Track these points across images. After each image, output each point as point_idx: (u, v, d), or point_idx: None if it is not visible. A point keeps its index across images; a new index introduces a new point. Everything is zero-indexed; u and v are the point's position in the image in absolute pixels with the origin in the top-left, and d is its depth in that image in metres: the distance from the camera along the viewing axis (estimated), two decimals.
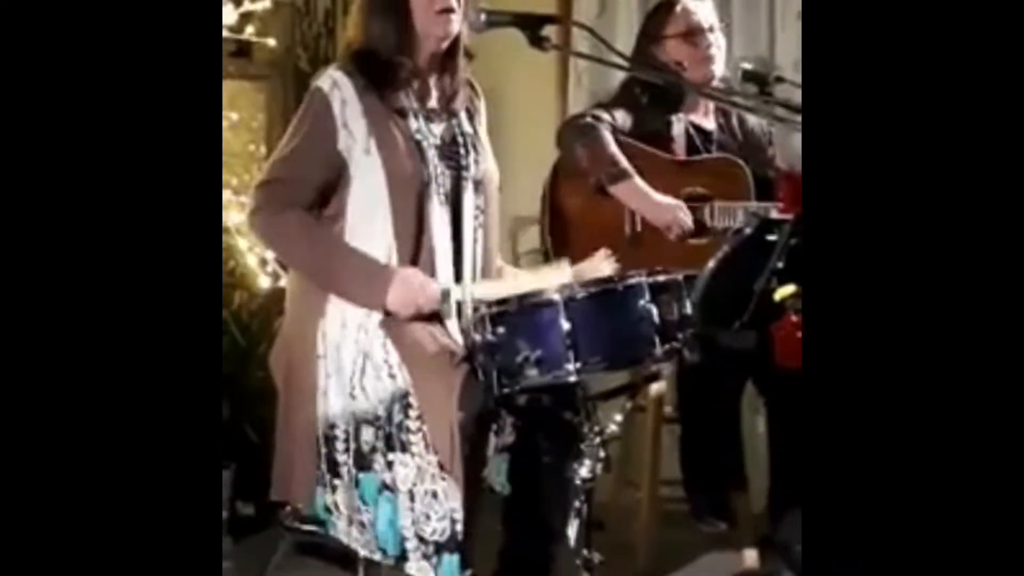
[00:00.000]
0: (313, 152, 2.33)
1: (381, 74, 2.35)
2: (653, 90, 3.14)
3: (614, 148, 3.04)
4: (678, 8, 3.16)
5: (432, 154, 2.36)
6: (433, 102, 2.42)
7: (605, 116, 3.10)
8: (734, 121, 3.25)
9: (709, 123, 3.23)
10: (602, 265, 2.35)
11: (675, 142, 3.16)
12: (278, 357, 2.44)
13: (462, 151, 2.42)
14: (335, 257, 2.33)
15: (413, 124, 2.37)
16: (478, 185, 2.42)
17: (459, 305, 2.32)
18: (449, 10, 2.34)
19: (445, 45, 2.39)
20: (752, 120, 3.26)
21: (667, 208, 3.04)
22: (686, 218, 3.04)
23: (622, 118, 3.12)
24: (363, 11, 2.38)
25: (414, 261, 2.33)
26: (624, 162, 3.03)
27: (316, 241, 2.34)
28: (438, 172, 2.36)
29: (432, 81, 2.42)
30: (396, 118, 2.35)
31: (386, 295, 2.28)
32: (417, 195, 2.33)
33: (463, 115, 2.46)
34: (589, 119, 3.09)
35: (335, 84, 2.33)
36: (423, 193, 2.33)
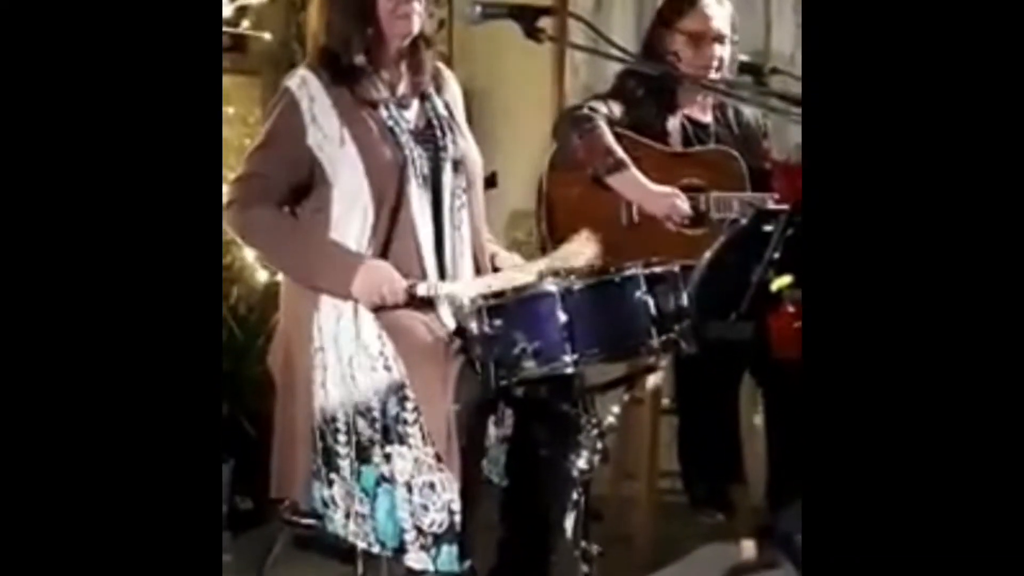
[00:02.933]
0: (281, 148, 2.36)
1: (346, 71, 2.37)
2: (649, 83, 3.14)
3: (610, 139, 3.05)
4: (698, 6, 3.15)
5: (406, 139, 2.38)
6: (402, 89, 2.44)
7: (601, 108, 3.10)
8: (730, 114, 3.26)
9: (706, 117, 3.23)
10: (585, 248, 2.34)
11: (671, 135, 3.17)
12: (276, 352, 2.44)
13: (438, 133, 2.44)
14: (305, 247, 2.36)
15: (384, 112, 2.39)
16: (457, 165, 2.43)
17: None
18: (410, 13, 2.37)
19: (407, 42, 2.42)
20: (748, 113, 3.26)
21: (664, 197, 3.04)
22: (684, 206, 3.04)
23: (618, 110, 3.13)
24: (323, 12, 2.39)
25: (396, 245, 2.34)
26: (621, 153, 3.03)
27: (285, 233, 2.38)
28: (415, 156, 2.37)
29: (400, 70, 2.44)
30: (367, 108, 2.37)
31: (351, 283, 2.29)
32: (396, 180, 2.34)
33: (435, 98, 2.48)
34: (586, 110, 3.09)
35: (303, 82, 2.36)
36: (401, 178, 2.34)
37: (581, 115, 3.09)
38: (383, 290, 2.29)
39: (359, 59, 2.37)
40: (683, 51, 3.15)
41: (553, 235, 3.08)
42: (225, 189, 2.40)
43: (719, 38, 3.14)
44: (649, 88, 3.15)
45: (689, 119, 3.20)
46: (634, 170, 3.03)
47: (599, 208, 3.08)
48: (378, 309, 2.30)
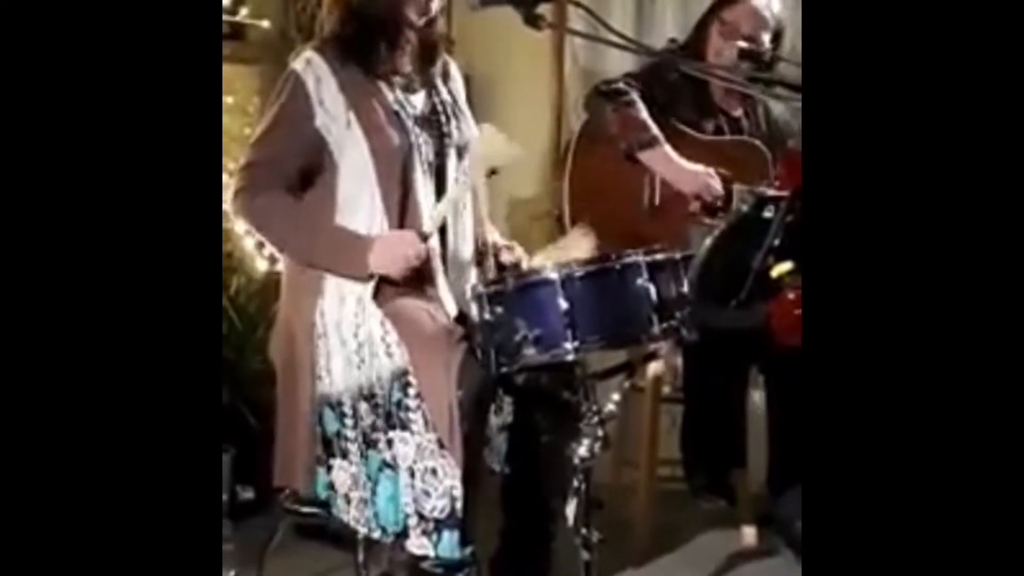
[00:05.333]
0: (289, 132, 2.34)
1: (367, 42, 2.36)
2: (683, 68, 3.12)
3: (645, 114, 3.03)
4: (746, 4, 3.14)
5: (412, 124, 2.37)
6: (408, 74, 2.43)
7: (637, 84, 3.08)
8: (760, 110, 3.24)
9: (736, 110, 3.22)
10: (581, 242, 2.34)
11: (702, 123, 3.15)
12: (277, 340, 2.44)
13: (443, 119, 2.43)
14: (315, 234, 2.34)
15: (390, 96, 2.38)
16: (461, 151, 2.43)
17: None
18: None
19: (423, 21, 2.41)
20: (777, 113, 3.25)
21: (696, 175, 3.03)
22: (716, 185, 3.03)
23: (652, 90, 3.10)
24: None
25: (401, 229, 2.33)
26: (655, 129, 3.01)
27: (296, 220, 2.36)
28: (420, 141, 2.37)
29: (409, 52, 2.43)
30: (373, 91, 2.37)
31: (368, 258, 2.28)
32: (401, 165, 2.34)
33: (440, 84, 2.48)
34: (621, 84, 3.07)
35: (309, 63, 2.34)
36: (406, 162, 2.34)
37: (617, 88, 3.06)
38: (407, 252, 2.28)
39: (400, 15, 2.35)
40: (716, 42, 3.13)
41: (575, 208, 3.05)
42: (230, 177, 2.39)
43: (753, 37, 3.12)
44: (684, 73, 3.12)
45: (721, 110, 3.19)
46: (667, 147, 3.01)
47: (624, 185, 3.06)
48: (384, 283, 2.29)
